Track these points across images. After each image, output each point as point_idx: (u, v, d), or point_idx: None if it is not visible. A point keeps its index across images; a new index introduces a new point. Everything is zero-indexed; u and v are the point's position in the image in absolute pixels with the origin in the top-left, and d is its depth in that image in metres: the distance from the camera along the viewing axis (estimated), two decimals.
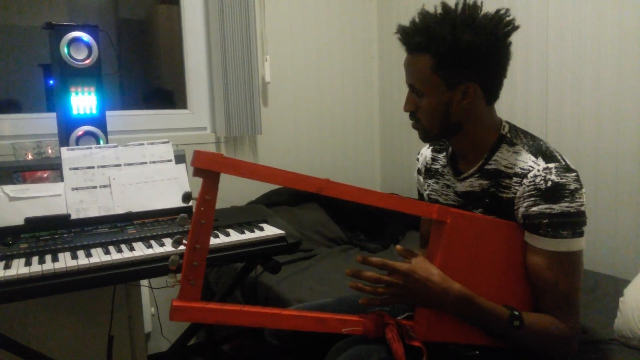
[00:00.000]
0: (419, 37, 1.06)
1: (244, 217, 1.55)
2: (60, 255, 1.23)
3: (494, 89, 1.11)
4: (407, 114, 1.17)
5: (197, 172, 0.95)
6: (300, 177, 0.99)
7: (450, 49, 1.03)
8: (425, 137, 1.17)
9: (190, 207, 1.48)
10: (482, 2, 1.07)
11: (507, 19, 1.06)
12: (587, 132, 1.94)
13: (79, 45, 1.71)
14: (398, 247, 1.09)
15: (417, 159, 1.37)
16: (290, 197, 2.52)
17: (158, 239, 1.36)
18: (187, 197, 1.01)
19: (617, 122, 1.84)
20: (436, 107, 1.09)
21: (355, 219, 2.54)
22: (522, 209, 1.04)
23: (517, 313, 1.01)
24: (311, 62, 2.76)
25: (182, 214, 1.01)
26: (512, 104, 2.16)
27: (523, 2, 2.03)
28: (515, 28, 1.07)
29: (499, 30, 1.05)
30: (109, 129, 1.82)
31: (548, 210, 1.00)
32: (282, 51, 2.65)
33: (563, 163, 1.03)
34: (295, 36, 2.70)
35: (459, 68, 1.05)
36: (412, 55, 1.10)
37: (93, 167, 1.52)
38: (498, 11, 1.06)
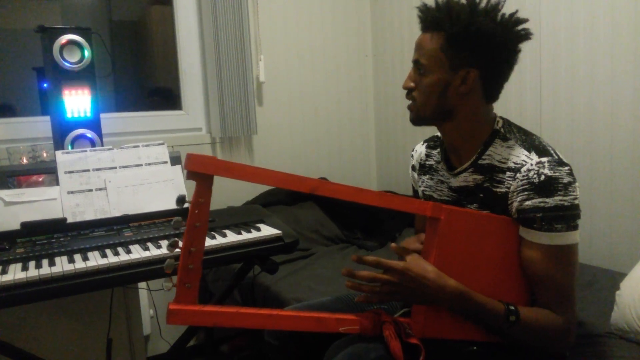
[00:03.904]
0: (438, 12, 1.08)
1: (240, 218, 1.55)
2: (57, 260, 1.22)
3: (494, 85, 1.11)
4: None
5: (191, 175, 0.96)
6: (293, 178, 0.99)
7: (464, 30, 1.04)
8: (417, 118, 1.16)
9: (186, 209, 1.48)
10: (505, 1, 1.09)
11: (525, 25, 1.08)
12: (581, 126, 1.94)
13: (72, 48, 1.71)
14: (393, 245, 1.09)
15: (412, 156, 1.38)
16: (287, 196, 2.53)
17: (155, 241, 1.35)
18: (181, 200, 1.01)
19: (611, 116, 1.85)
20: (434, 86, 1.09)
21: (352, 218, 2.55)
22: (516, 204, 1.05)
23: (513, 308, 1.02)
24: (305, 61, 2.76)
25: (177, 217, 1.01)
26: (506, 101, 2.16)
27: None
28: (529, 36, 1.09)
29: (514, 29, 1.07)
30: (103, 131, 1.82)
31: (542, 204, 1.01)
32: (276, 51, 2.65)
33: (556, 157, 1.04)
34: (289, 35, 2.70)
35: (466, 50, 1.06)
36: (426, 32, 1.11)
37: (88, 170, 1.52)
38: (517, 14, 1.08)
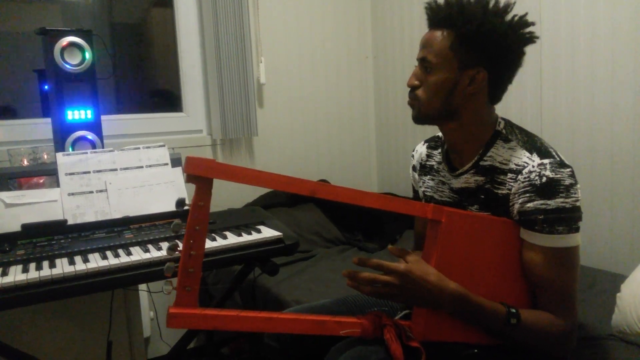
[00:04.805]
0: (449, 10, 1.07)
1: (241, 220, 1.54)
2: (58, 261, 1.22)
3: (499, 87, 1.11)
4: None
5: (190, 178, 0.95)
6: (293, 180, 0.99)
7: (475, 29, 1.03)
8: (419, 117, 1.14)
9: (186, 212, 1.48)
10: (514, 3, 1.09)
11: (532, 28, 1.08)
12: (582, 128, 1.94)
13: (73, 50, 1.71)
14: (390, 247, 1.09)
15: (412, 156, 1.37)
16: (288, 198, 2.52)
17: (155, 243, 1.35)
18: (180, 203, 1.01)
19: (611, 117, 1.85)
20: (441, 84, 1.08)
21: (352, 219, 2.54)
22: (517, 205, 1.05)
23: (514, 310, 1.01)
24: (306, 62, 2.76)
25: (176, 220, 1.01)
26: (506, 102, 2.15)
27: None
28: (534, 40, 1.09)
29: (522, 32, 1.07)
30: (104, 133, 1.81)
31: (543, 206, 1.01)
32: (277, 52, 2.65)
33: (557, 159, 1.03)
34: (289, 37, 2.70)
35: (476, 51, 1.06)
36: (435, 29, 1.10)
37: (89, 172, 1.52)
38: (526, 17, 1.08)
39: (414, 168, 1.36)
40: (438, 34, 1.08)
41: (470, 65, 1.07)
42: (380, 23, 2.90)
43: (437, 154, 1.28)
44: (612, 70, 1.83)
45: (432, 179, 1.27)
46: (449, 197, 1.21)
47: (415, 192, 1.38)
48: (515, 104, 2.15)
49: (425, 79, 1.11)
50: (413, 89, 1.13)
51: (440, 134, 1.28)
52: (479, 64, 1.06)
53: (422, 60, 1.12)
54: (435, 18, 1.10)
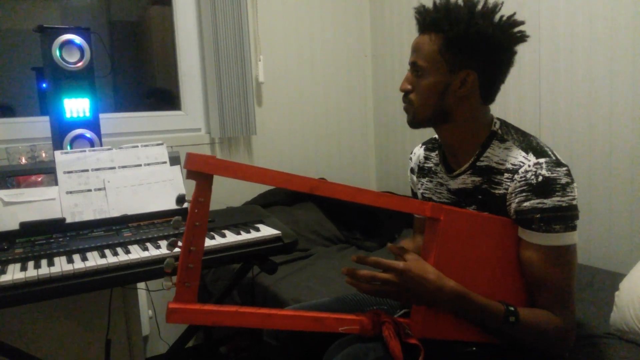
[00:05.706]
0: (436, 14, 1.08)
1: (239, 218, 1.55)
2: (56, 260, 1.22)
3: (491, 87, 1.12)
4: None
5: (190, 174, 0.96)
6: (292, 178, 0.99)
7: (462, 32, 1.04)
8: (414, 121, 1.16)
9: (185, 209, 1.48)
10: (502, 3, 1.09)
11: (521, 27, 1.08)
12: (580, 127, 1.94)
13: (71, 48, 1.70)
14: (390, 245, 1.09)
15: (410, 158, 1.38)
16: (286, 196, 2.53)
17: (154, 241, 1.35)
18: (180, 199, 1.01)
19: (610, 117, 1.85)
20: (433, 88, 1.09)
21: (351, 218, 2.55)
22: (514, 205, 1.05)
23: (512, 309, 1.02)
24: (305, 61, 2.76)
25: (177, 217, 1.01)
26: (505, 102, 2.16)
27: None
28: (525, 38, 1.09)
29: (511, 31, 1.07)
30: (102, 131, 1.81)
31: (540, 205, 1.01)
32: (276, 51, 2.65)
33: (553, 158, 1.04)
34: (288, 36, 2.70)
35: (465, 53, 1.06)
36: (424, 34, 1.11)
37: (87, 170, 1.52)
38: (515, 16, 1.08)
39: (412, 170, 1.37)
40: (427, 38, 1.09)
41: (459, 68, 1.07)
42: (380, 22, 2.90)
43: (434, 156, 1.28)
44: (610, 70, 1.83)
45: (430, 181, 1.27)
46: (447, 198, 1.21)
47: (414, 194, 1.39)
48: (514, 105, 2.15)
49: (416, 83, 1.12)
50: (406, 93, 1.15)
51: (437, 135, 1.28)
52: (469, 67, 1.07)
53: (412, 65, 1.13)
54: (424, 22, 1.11)
